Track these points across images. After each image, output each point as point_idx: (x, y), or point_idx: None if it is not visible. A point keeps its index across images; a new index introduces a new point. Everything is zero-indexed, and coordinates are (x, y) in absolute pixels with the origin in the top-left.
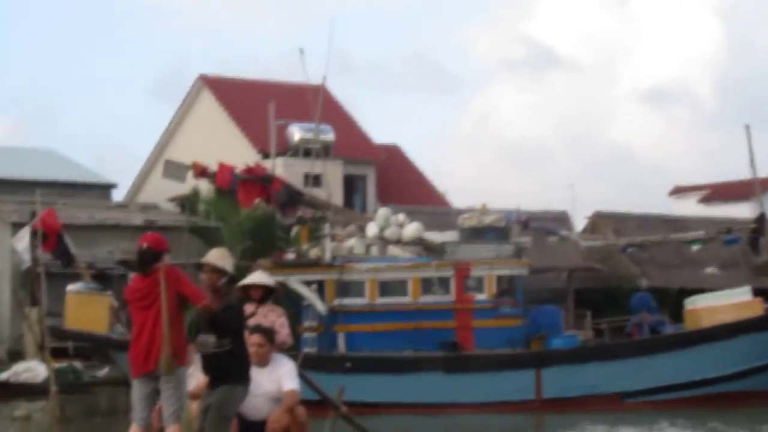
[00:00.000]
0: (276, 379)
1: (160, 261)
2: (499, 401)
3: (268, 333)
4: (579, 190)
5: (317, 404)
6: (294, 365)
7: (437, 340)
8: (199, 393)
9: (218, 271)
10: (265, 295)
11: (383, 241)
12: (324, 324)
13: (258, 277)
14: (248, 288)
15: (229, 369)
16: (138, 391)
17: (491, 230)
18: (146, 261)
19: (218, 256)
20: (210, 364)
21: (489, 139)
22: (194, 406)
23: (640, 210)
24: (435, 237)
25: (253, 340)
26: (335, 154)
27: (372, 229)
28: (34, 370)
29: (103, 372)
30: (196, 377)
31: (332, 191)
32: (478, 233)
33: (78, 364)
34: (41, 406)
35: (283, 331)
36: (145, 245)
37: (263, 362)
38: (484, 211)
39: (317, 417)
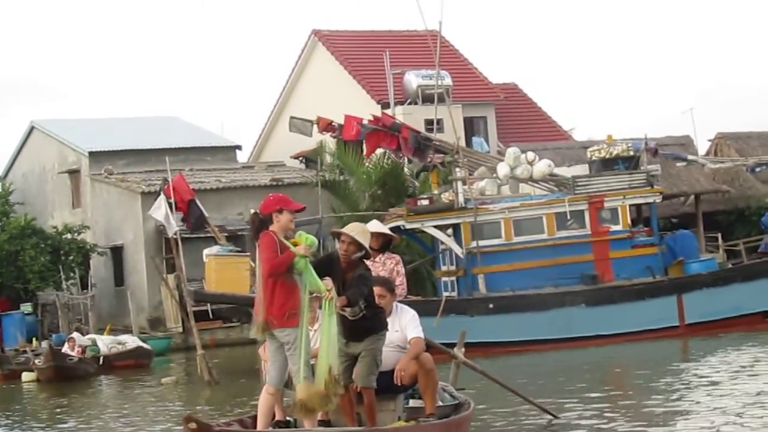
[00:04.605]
0: (399, 328)
1: (272, 223)
2: (643, 330)
3: (388, 283)
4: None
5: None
6: (416, 314)
7: (576, 274)
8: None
9: (356, 244)
10: (383, 243)
11: (515, 180)
12: (462, 267)
13: (375, 225)
14: None
15: (369, 326)
16: (268, 349)
17: (621, 160)
18: (255, 227)
19: (358, 231)
20: (349, 326)
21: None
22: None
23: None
24: (565, 172)
25: (374, 292)
26: (454, 98)
27: (503, 169)
28: (124, 341)
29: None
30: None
31: (459, 135)
32: (607, 164)
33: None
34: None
35: (398, 279)
36: (252, 211)
37: (386, 312)
38: (611, 141)
39: (444, 363)
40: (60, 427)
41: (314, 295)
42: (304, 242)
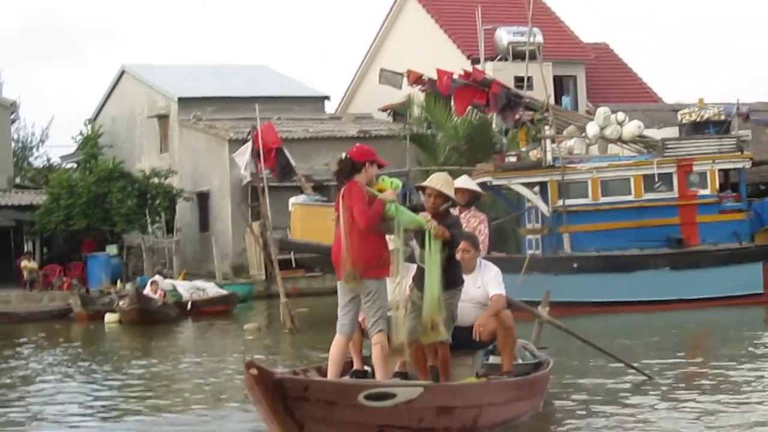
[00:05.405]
0: (482, 285)
1: (360, 172)
2: (726, 296)
3: (473, 239)
4: None
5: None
6: (499, 271)
7: (661, 237)
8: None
9: (442, 197)
10: (470, 200)
11: (604, 140)
12: (548, 225)
13: (464, 181)
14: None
15: (446, 279)
16: (340, 298)
17: (711, 124)
18: (343, 171)
19: (443, 182)
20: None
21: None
22: (401, 313)
23: None
24: (654, 134)
25: (458, 246)
26: (544, 56)
27: (592, 129)
28: (203, 287)
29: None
30: (403, 284)
31: (550, 93)
32: (698, 128)
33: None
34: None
35: (480, 239)
36: (344, 155)
37: (469, 268)
38: (702, 105)
39: (524, 321)
40: (139, 363)
41: (412, 229)
42: (389, 186)
